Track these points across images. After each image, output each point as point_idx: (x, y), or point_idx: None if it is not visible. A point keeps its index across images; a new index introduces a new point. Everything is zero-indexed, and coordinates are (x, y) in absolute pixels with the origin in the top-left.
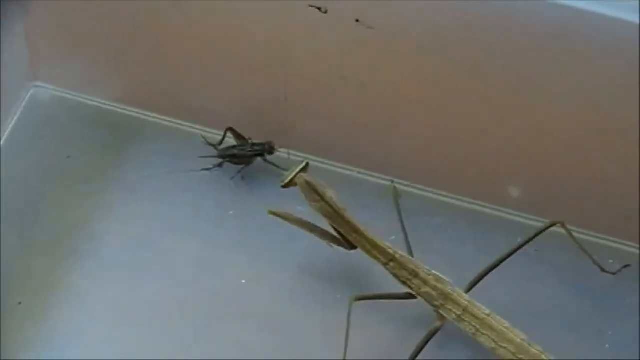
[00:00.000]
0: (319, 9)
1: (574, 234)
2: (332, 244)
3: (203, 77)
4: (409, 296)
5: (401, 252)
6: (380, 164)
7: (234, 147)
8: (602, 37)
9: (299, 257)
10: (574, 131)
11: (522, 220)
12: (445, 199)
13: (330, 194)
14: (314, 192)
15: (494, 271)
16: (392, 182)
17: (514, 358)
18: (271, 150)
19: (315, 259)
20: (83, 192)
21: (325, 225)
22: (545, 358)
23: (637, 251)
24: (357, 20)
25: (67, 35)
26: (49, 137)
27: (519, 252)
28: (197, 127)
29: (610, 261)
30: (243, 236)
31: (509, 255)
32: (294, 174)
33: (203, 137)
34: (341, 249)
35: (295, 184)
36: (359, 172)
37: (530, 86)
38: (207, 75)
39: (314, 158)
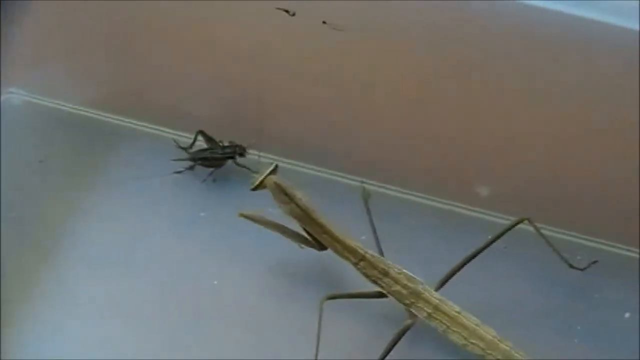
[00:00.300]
0: (287, 11)
1: (543, 231)
2: (302, 245)
3: (175, 81)
4: (380, 295)
5: (371, 252)
6: (350, 165)
7: (205, 150)
8: (579, 40)
9: (271, 258)
10: (541, 130)
11: (491, 218)
12: (415, 199)
13: (300, 195)
14: (283, 194)
15: (464, 269)
16: (362, 182)
17: (485, 354)
18: (242, 153)
19: (287, 259)
20: (56, 197)
21: (295, 226)
22: (515, 354)
23: (605, 247)
24: (325, 22)
25: (40, 41)
26: (21, 142)
27: (488, 250)
28: (169, 130)
29: (579, 257)
30: (215, 238)
31: (478, 253)
32: (263, 176)
33: (175, 140)
34: (312, 249)
35: (265, 186)
36: (329, 174)
37: (499, 87)
38: (179, 79)
39: (285, 160)
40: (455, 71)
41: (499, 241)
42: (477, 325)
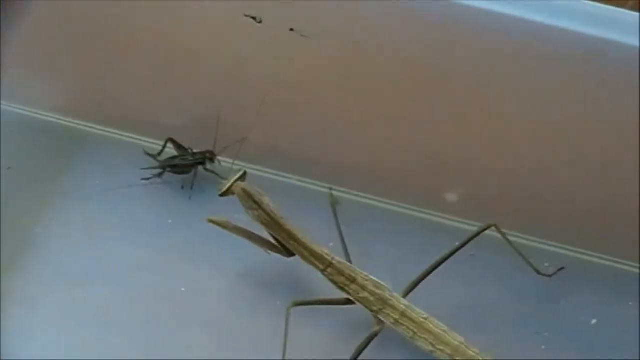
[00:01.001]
0: (254, 18)
1: (510, 238)
2: (270, 251)
3: (144, 89)
4: (347, 302)
5: (338, 258)
6: (319, 171)
7: (175, 157)
8: (541, 46)
9: (238, 264)
10: (508, 138)
11: (460, 225)
12: (383, 205)
13: (268, 201)
14: (251, 200)
15: (432, 276)
16: (331, 189)
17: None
18: (212, 158)
19: (254, 266)
20: (24, 204)
21: (263, 233)
22: (482, 359)
23: (572, 254)
24: (292, 29)
25: (7, 48)
26: None
27: (456, 256)
28: (139, 137)
29: (546, 264)
30: (182, 244)
31: (445, 259)
32: (231, 182)
33: (144, 148)
34: (279, 256)
35: (233, 193)
36: (297, 180)
37: (468, 95)
38: (148, 86)
39: (254, 167)
40: (425, 78)
41: (467, 248)
42: (444, 331)
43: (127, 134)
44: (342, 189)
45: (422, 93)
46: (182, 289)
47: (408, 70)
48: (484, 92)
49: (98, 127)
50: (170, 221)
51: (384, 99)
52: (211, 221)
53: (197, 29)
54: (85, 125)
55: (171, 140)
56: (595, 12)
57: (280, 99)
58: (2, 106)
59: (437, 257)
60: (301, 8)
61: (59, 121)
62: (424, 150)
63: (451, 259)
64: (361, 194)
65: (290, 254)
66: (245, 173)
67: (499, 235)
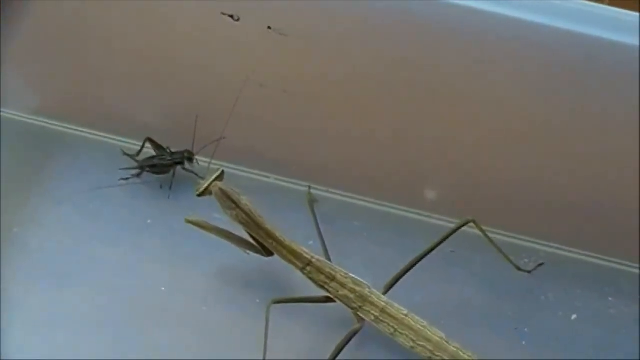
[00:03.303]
0: (232, 16)
1: (489, 234)
2: (248, 251)
3: (121, 88)
4: (327, 300)
5: (318, 257)
6: (295, 170)
7: (153, 157)
8: (518, 41)
9: (217, 263)
10: (488, 133)
11: (439, 222)
12: (362, 203)
13: (245, 201)
14: (229, 200)
15: (412, 273)
16: (309, 187)
17: (433, 356)
18: (190, 158)
19: (234, 265)
20: (10, 205)
21: (241, 233)
22: (463, 354)
23: (551, 250)
24: (270, 28)
25: None
26: None
27: (436, 253)
28: (117, 138)
29: (525, 260)
30: (162, 244)
31: (424, 255)
32: (208, 182)
33: (122, 149)
34: (258, 255)
35: (211, 192)
36: (274, 179)
37: (445, 91)
38: (126, 86)
39: (232, 166)
40: (402, 75)
41: (447, 245)
42: (424, 327)
43: (105, 135)
44: (320, 187)
45: (401, 91)
46: (162, 289)
47: (386, 67)
48: (462, 88)
49: (75, 127)
50: (149, 221)
51: (362, 96)
52: (189, 221)
53: (174, 28)
54: (62, 126)
55: (149, 140)
56: (593, 12)
57: (258, 98)
58: None
59: (415, 254)
60: (279, 6)
61: (36, 122)
62: (402, 147)
63: (431, 255)
64: (339, 192)
65: (269, 253)
66: (223, 172)
67: (478, 232)
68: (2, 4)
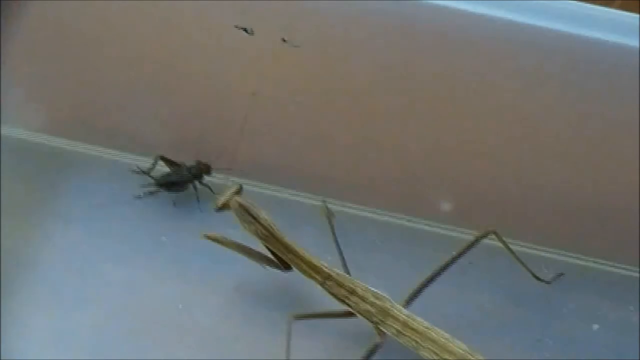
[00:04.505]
0: (245, 29)
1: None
2: (266, 265)
3: (128, 104)
4: (348, 314)
5: (337, 271)
6: (310, 184)
7: (169, 174)
8: (544, 51)
9: (235, 279)
10: (502, 142)
11: (454, 234)
12: (376, 216)
13: (264, 215)
14: (247, 214)
15: (430, 285)
16: (324, 201)
17: None
18: (208, 171)
19: (251, 280)
20: (14, 225)
21: (259, 247)
22: None
23: (571, 260)
24: (284, 40)
25: None
26: None
27: (454, 265)
28: (124, 154)
29: (545, 271)
30: (178, 261)
31: (446, 267)
32: (227, 197)
33: (137, 166)
34: (276, 270)
35: (229, 207)
36: (288, 193)
37: (461, 102)
38: (133, 101)
39: (243, 180)
40: (417, 86)
41: (464, 257)
42: (447, 339)
43: (112, 151)
44: (335, 201)
45: (415, 100)
46: (180, 306)
47: (401, 78)
48: (478, 98)
49: (81, 144)
50: (164, 238)
51: (375, 108)
52: (207, 237)
53: (184, 43)
54: (68, 144)
55: (162, 157)
56: (593, 14)
57: (271, 111)
58: None
59: (433, 266)
60: (288, 17)
61: (43, 141)
62: (417, 158)
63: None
64: (354, 205)
65: (287, 267)
66: (241, 187)
67: (496, 243)
68: (2, 20)
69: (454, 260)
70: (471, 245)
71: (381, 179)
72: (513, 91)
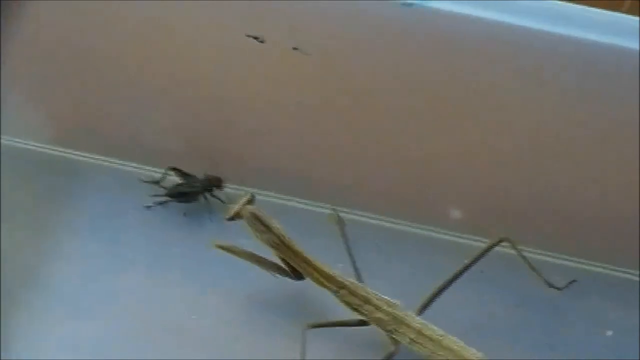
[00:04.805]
0: (256, 38)
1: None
2: (278, 274)
3: (138, 114)
4: (362, 323)
5: (351, 279)
6: (320, 192)
7: (180, 184)
8: (556, 56)
9: (248, 288)
10: (510, 149)
11: (465, 241)
12: (387, 224)
13: (276, 224)
14: (260, 224)
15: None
16: (334, 209)
17: None
18: (219, 185)
19: (264, 289)
20: (28, 237)
21: (270, 256)
22: None
23: (583, 266)
24: (295, 48)
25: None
26: None
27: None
28: (131, 164)
29: (557, 277)
30: (189, 271)
31: (458, 276)
32: (239, 206)
33: (148, 177)
34: (288, 279)
35: (241, 217)
36: (298, 202)
37: (471, 108)
38: (142, 112)
39: (251, 189)
40: (427, 94)
41: (477, 264)
42: (461, 347)
43: (118, 161)
44: (344, 209)
45: (424, 108)
46: (193, 317)
47: (410, 86)
48: (484, 104)
49: (87, 155)
50: (175, 249)
51: (387, 117)
52: (218, 246)
53: (190, 50)
54: (77, 154)
55: (174, 169)
56: (593, 17)
57: (280, 120)
58: None
59: (445, 275)
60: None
61: (51, 152)
62: (428, 166)
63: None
64: (364, 213)
65: (299, 276)
66: (253, 196)
67: (506, 250)
68: (2, 20)
69: (467, 267)
70: (484, 252)
71: (391, 186)
72: (522, 98)
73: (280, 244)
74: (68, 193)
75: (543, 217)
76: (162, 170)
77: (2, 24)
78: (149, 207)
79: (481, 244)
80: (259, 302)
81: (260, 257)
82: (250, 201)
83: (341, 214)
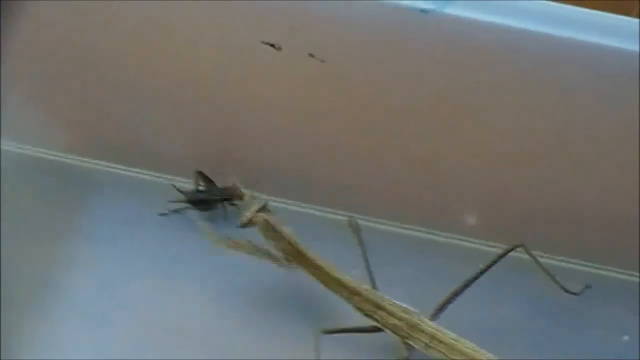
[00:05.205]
0: (272, 45)
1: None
2: (282, 265)
3: (138, 114)
4: (375, 329)
5: (364, 286)
6: (335, 198)
7: (199, 191)
8: (573, 64)
9: (262, 293)
10: (526, 157)
11: (481, 247)
12: (401, 231)
13: (288, 231)
14: (272, 231)
15: (461, 297)
16: (350, 216)
17: None
18: (241, 197)
19: (279, 293)
20: (42, 245)
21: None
22: None
23: (599, 271)
24: (311, 55)
25: (12, 89)
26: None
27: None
28: (145, 172)
29: (573, 282)
30: (204, 277)
31: (473, 281)
32: (252, 213)
33: (173, 185)
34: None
35: (254, 224)
36: (311, 208)
37: (485, 115)
38: (143, 112)
39: (273, 198)
40: (439, 100)
41: (494, 270)
42: (474, 350)
43: (132, 169)
44: (360, 216)
45: (438, 114)
46: (210, 323)
47: (422, 92)
48: (503, 110)
49: (105, 164)
50: (186, 255)
51: (399, 122)
52: (218, 242)
53: (194, 53)
54: (92, 163)
55: (200, 173)
56: (593, 20)
57: (293, 127)
58: (7, 148)
59: (459, 280)
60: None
61: (67, 160)
62: (442, 172)
63: (477, 281)
64: (379, 219)
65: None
66: (266, 203)
67: (522, 255)
68: (2, 20)
69: (481, 273)
70: (498, 258)
71: (406, 193)
72: (532, 103)
73: (293, 251)
74: (82, 201)
75: (558, 223)
76: (165, 175)
77: (2, 24)
78: (164, 214)
79: (495, 249)
80: (274, 306)
81: (263, 249)
82: (264, 208)
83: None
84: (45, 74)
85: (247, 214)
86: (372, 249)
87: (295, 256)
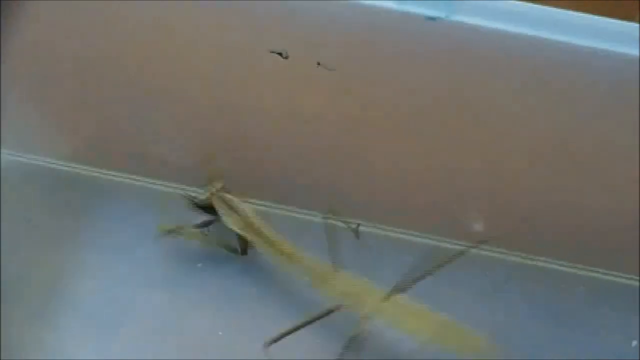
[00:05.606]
0: (280, 54)
1: (540, 264)
2: (225, 249)
3: (138, 114)
4: (326, 313)
5: (315, 257)
6: (344, 207)
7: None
8: (575, 71)
9: (273, 305)
10: (533, 164)
11: (481, 251)
12: (410, 238)
13: (245, 207)
14: (227, 208)
15: (469, 305)
16: (358, 224)
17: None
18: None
19: (289, 306)
20: (48, 255)
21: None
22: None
23: (607, 277)
24: (319, 64)
25: (17, 99)
26: (6, 203)
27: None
28: (155, 181)
29: (582, 288)
30: (214, 288)
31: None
32: (209, 192)
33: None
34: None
35: (210, 202)
36: (323, 217)
37: (493, 121)
38: (143, 112)
39: (270, 204)
40: (444, 106)
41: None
42: (428, 310)
43: (142, 178)
44: (368, 224)
45: (444, 120)
46: (220, 333)
47: (429, 98)
48: (509, 118)
49: (111, 173)
50: (199, 265)
51: (404, 128)
52: (164, 230)
53: (194, 53)
54: (97, 172)
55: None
56: (594, 25)
57: (294, 134)
58: (14, 157)
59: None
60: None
61: (72, 170)
62: (447, 180)
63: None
64: (387, 227)
65: (244, 252)
66: (224, 185)
67: (532, 262)
68: (2, 20)
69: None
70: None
71: (412, 201)
72: (544, 111)
73: (247, 227)
74: (89, 211)
75: (567, 230)
76: (168, 183)
77: (2, 24)
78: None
79: (501, 255)
80: (284, 317)
81: (204, 234)
82: (221, 189)
83: (364, 229)
84: (45, 74)
85: (204, 193)
86: (378, 256)
87: (250, 232)
